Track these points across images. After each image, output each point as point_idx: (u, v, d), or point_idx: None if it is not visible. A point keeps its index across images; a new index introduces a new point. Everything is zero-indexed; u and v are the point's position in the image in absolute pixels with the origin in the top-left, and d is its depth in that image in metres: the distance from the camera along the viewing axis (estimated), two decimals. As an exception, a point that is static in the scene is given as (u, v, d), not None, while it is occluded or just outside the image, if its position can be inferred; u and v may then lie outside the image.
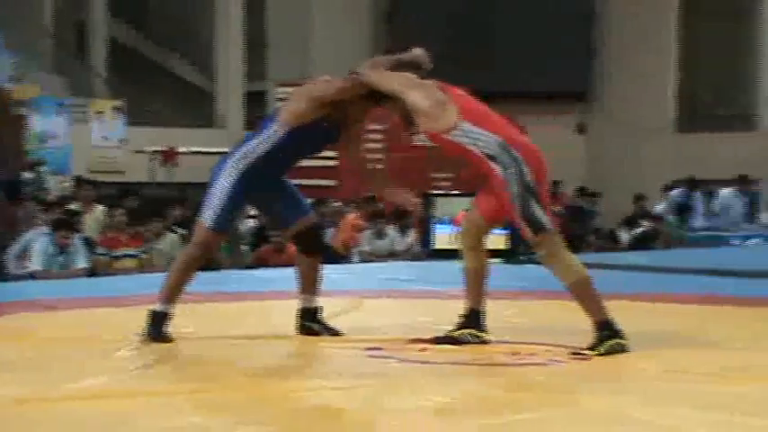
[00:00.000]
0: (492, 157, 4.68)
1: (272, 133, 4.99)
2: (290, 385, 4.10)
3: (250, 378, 4.25)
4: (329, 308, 5.60)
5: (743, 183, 14.79)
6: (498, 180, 4.67)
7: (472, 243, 4.98)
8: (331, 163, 16.22)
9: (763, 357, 4.58)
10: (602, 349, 4.59)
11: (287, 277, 5.80)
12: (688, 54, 22.54)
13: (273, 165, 5.06)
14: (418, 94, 4.74)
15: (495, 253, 10.97)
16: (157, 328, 5.07)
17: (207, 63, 20.88)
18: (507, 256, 10.25)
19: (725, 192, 14.85)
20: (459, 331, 5.00)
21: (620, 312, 4.75)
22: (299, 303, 5.34)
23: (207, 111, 20.52)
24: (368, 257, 11.55)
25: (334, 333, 5.27)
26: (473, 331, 4.99)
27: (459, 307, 5.07)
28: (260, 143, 5.01)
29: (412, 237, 12.02)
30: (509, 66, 21.59)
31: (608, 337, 4.62)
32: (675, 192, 15.03)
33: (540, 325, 5.65)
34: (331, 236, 11.91)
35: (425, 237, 11.42)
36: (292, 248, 10.27)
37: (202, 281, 5.72)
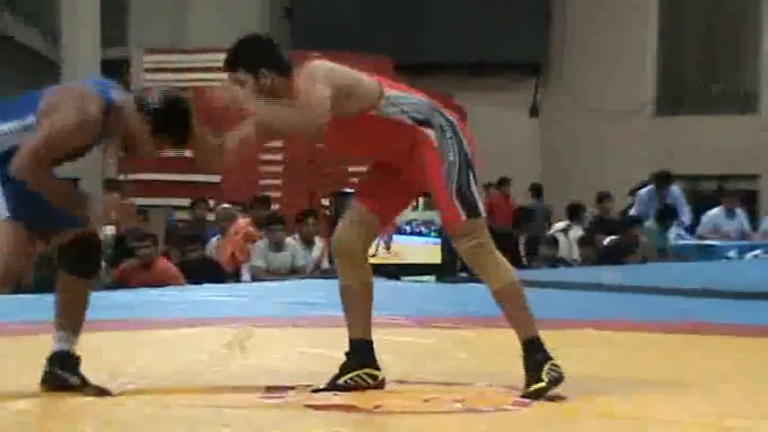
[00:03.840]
0: (424, 122, 4.75)
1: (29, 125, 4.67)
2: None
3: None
4: (212, 340, 5.55)
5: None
6: (431, 148, 4.71)
7: (357, 253, 4.93)
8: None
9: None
10: (543, 383, 4.62)
11: (153, 300, 5.76)
12: (672, 19, 22.79)
13: None
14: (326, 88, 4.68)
15: (426, 269, 10.95)
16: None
17: (51, 23, 20.68)
18: (441, 272, 10.29)
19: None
20: (349, 375, 4.89)
21: (582, 343, 4.82)
22: (53, 344, 4.82)
23: (51, 83, 20.32)
24: (262, 275, 11.51)
25: (101, 393, 4.76)
26: (368, 371, 4.93)
27: (379, 338, 5.05)
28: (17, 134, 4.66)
29: (319, 249, 11.99)
30: (442, 32, 21.66)
31: (541, 362, 4.68)
32: (644, 191, 15.31)
33: (485, 361, 5.68)
34: (215, 247, 11.83)
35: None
36: (163, 263, 10.25)
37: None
